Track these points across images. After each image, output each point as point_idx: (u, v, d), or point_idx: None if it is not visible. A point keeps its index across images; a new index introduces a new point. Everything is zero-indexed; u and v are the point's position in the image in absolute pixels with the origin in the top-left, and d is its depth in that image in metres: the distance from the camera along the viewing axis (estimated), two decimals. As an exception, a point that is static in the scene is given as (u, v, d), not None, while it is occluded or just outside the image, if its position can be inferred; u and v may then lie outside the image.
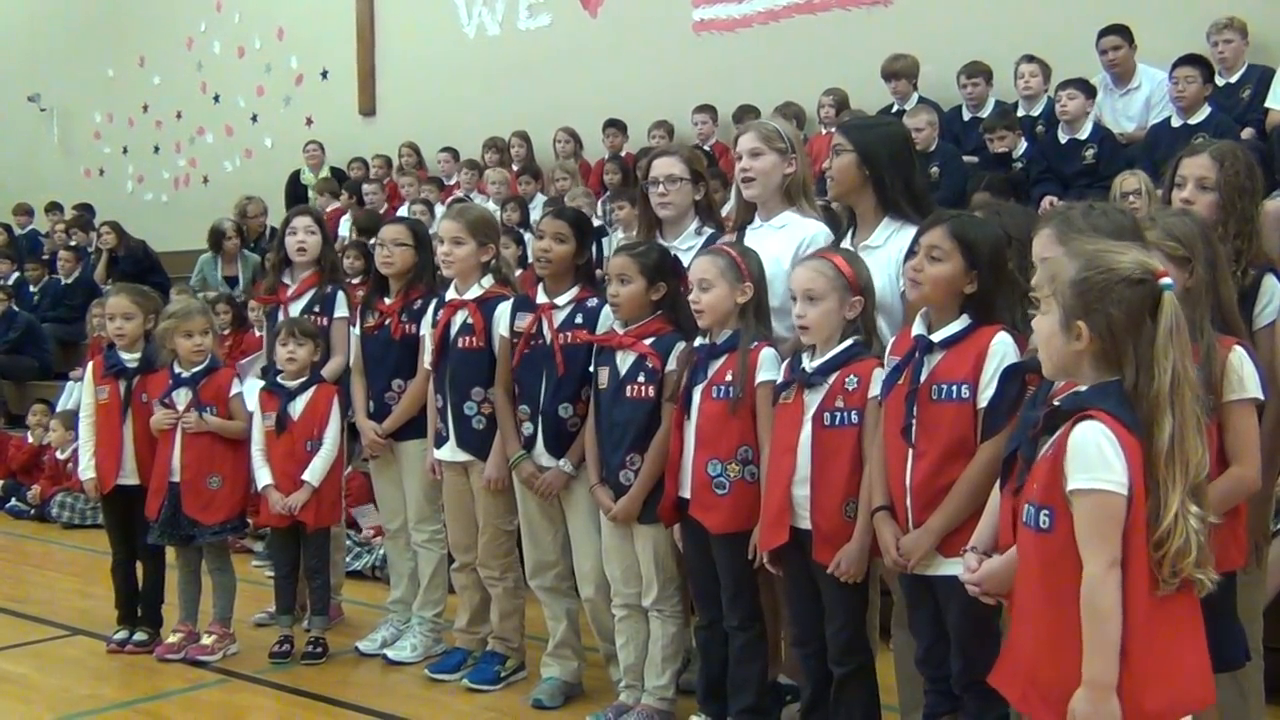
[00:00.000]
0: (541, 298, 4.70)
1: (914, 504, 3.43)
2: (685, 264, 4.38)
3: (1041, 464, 2.57)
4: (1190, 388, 2.49)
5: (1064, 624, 2.47)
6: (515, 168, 10.78)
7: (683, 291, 4.36)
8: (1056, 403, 2.61)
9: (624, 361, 4.36)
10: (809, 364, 3.78)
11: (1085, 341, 2.50)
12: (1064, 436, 2.50)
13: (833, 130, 8.70)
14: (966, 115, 8.65)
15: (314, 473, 5.37)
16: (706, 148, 9.50)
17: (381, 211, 10.75)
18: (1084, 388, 2.54)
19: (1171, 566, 2.45)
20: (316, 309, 5.68)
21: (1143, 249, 2.67)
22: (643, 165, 4.84)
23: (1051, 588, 2.51)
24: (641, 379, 4.30)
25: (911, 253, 3.57)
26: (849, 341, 3.75)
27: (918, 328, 3.49)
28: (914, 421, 3.40)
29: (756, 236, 4.39)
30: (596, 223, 8.12)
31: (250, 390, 5.69)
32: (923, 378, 3.41)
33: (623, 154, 10.27)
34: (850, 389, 3.69)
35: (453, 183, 11.26)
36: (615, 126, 10.47)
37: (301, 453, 5.39)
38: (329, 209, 11.16)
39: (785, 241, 4.29)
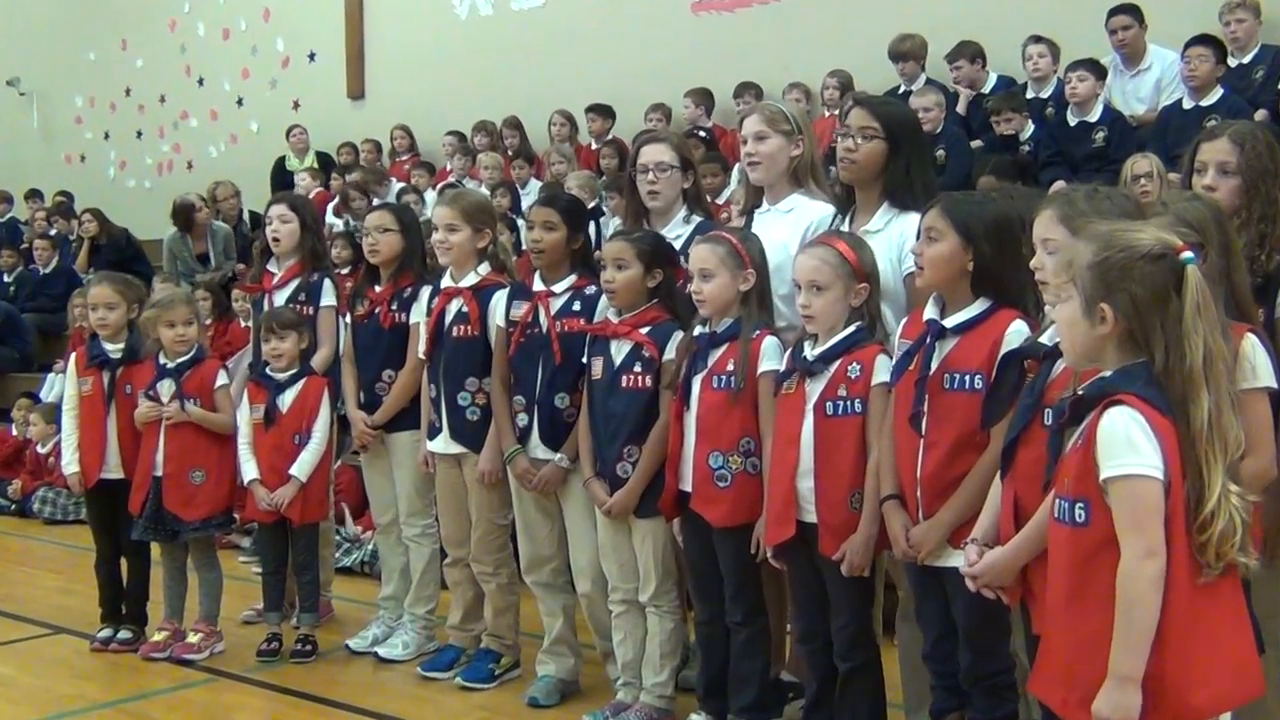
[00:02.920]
0: (539, 285, 4.71)
1: (924, 495, 3.44)
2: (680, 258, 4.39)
3: (1071, 456, 2.56)
4: (1223, 362, 2.48)
5: (1104, 622, 2.45)
6: (509, 152, 10.77)
7: (678, 279, 4.37)
8: (1081, 390, 2.61)
9: (619, 351, 4.36)
10: (810, 352, 3.79)
11: (1110, 324, 2.50)
12: (1092, 425, 2.50)
13: (837, 111, 8.77)
14: (962, 105, 8.63)
15: (302, 468, 5.37)
16: (703, 132, 9.48)
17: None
18: (1109, 372, 2.55)
19: (1215, 550, 2.44)
20: (302, 298, 5.68)
21: (1159, 225, 2.66)
22: (631, 152, 4.85)
23: (1088, 584, 2.50)
24: (638, 369, 4.31)
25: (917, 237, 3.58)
26: (851, 328, 3.76)
27: (930, 311, 3.50)
28: (924, 410, 3.41)
29: (763, 221, 4.40)
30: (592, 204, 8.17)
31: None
32: (934, 365, 3.41)
33: (612, 138, 10.25)
34: (853, 377, 3.70)
35: (443, 168, 11.26)
36: (599, 111, 10.46)
37: (289, 447, 5.39)
38: (313, 194, 11.15)
39: (792, 226, 4.30)
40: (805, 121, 4.49)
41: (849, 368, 3.71)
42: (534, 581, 4.89)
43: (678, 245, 4.48)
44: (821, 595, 3.82)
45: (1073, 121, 7.74)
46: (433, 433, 5.06)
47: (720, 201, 7.81)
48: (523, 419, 4.69)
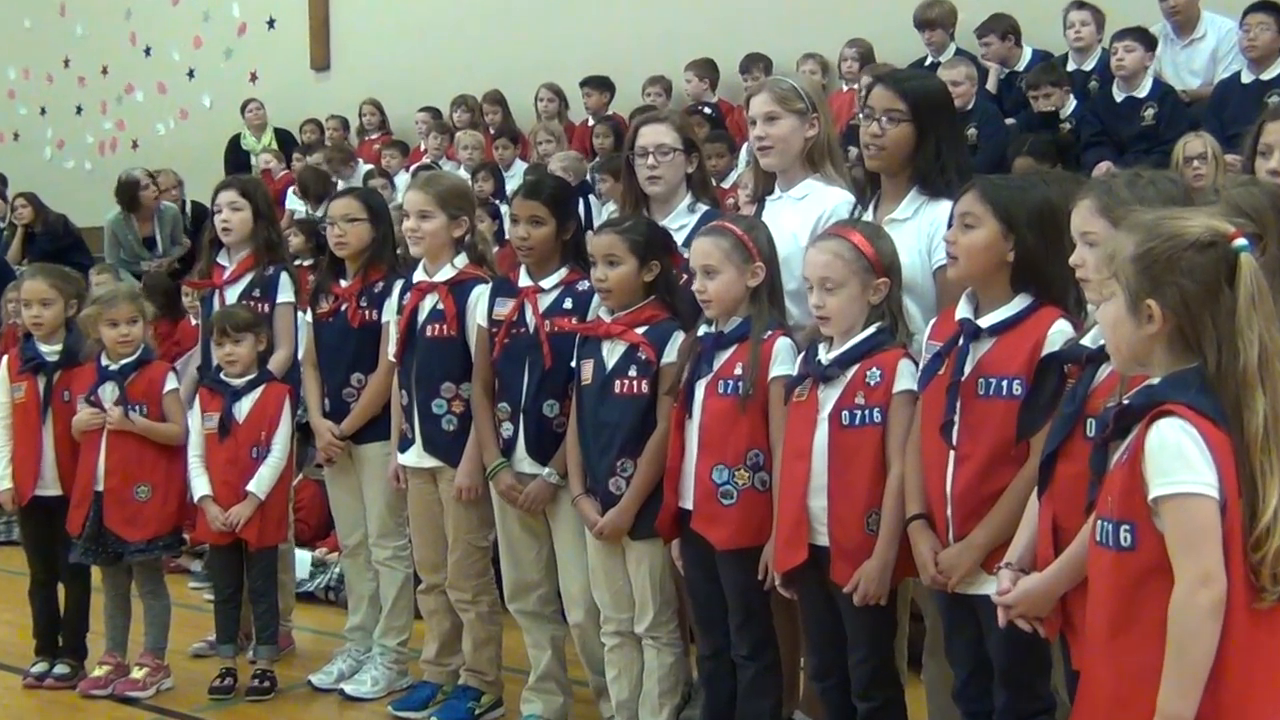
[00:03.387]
0: (524, 279, 4.71)
1: (955, 514, 3.44)
2: (679, 243, 4.40)
3: (1116, 473, 2.56)
4: None
5: (1152, 656, 2.45)
6: (490, 131, 10.77)
7: (676, 271, 4.37)
8: (1126, 400, 2.61)
9: (611, 353, 4.36)
10: (825, 355, 3.79)
11: (1158, 322, 2.50)
12: (1139, 438, 2.50)
13: (856, 86, 8.77)
14: (993, 82, 8.63)
15: (260, 483, 5.37)
16: (707, 109, 9.48)
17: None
18: (1157, 380, 2.54)
19: (1272, 571, 2.43)
20: (256, 293, 5.68)
21: (1209, 211, 2.66)
22: (629, 133, 4.84)
23: (1134, 615, 2.50)
24: (633, 372, 4.31)
25: (950, 225, 3.58)
26: (871, 329, 3.75)
27: (962, 310, 3.49)
28: (956, 419, 3.41)
29: (774, 209, 4.40)
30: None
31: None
32: (967, 369, 3.41)
33: (609, 114, 10.26)
34: (872, 384, 3.69)
35: (417, 148, 11.26)
36: (596, 85, 10.46)
37: (246, 460, 5.39)
38: (276, 176, 11.14)
39: (803, 215, 4.30)
40: (820, 98, 4.48)
41: (867, 373, 3.70)
42: (519, 610, 4.89)
43: (682, 236, 4.48)
44: (836, 627, 3.82)
45: (1119, 97, 7.73)
46: (405, 444, 5.05)
47: (727, 185, 7.81)
48: (507, 429, 4.70)
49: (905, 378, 3.67)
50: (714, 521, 4.03)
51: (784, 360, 3.97)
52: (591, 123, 10.21)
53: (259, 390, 5.45)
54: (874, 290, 3.75)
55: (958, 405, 3.41)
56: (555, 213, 4.66)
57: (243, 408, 5.42)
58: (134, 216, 10.37)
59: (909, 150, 4.05)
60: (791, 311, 4.19)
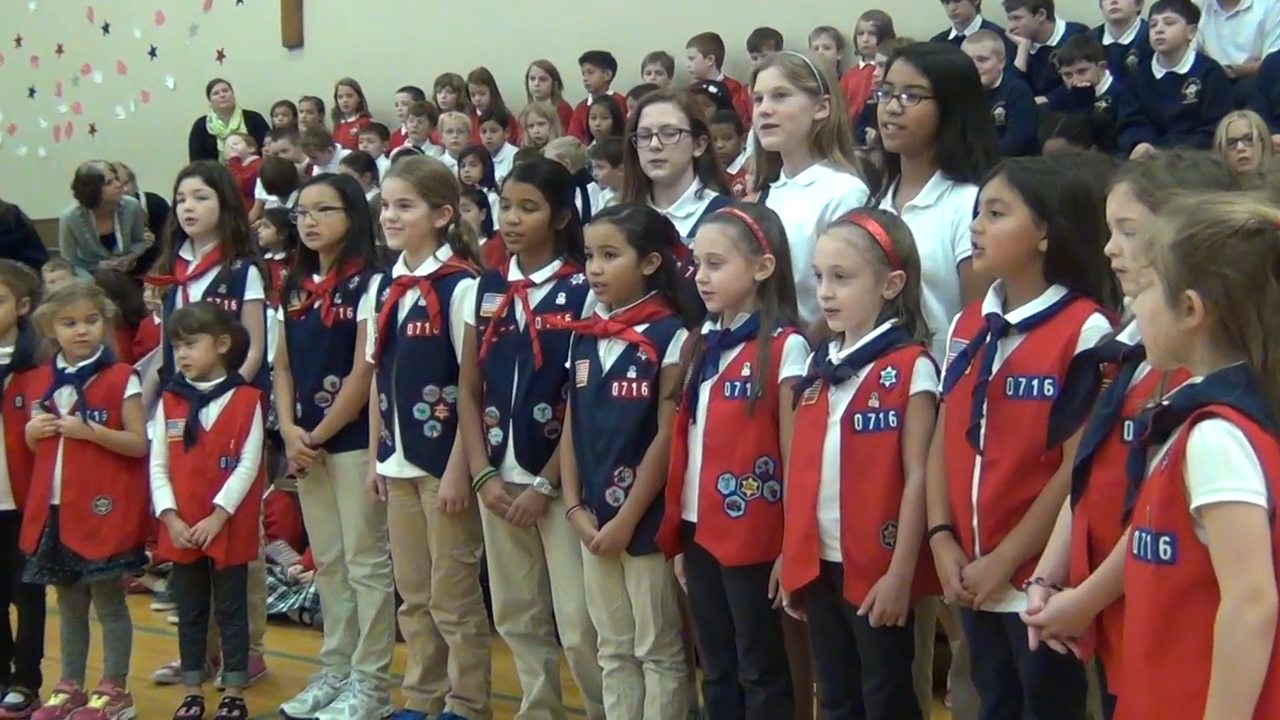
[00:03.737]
0: (514, 273, 4.71)
1: (982, 525, 3.44)
2: (683, 235, 4.40)
3: (1155, 480, 2.56)
4: None
5: (1195, 679, 2.44)
6: (477, 112, 10.77)
7: (678, 264, 4.37)
8: (1166, 401, 2.60)
9: (609, 353, 4.36)
10: (836, 354, 3.79)
11: (1199, 315, 2.50)
12: (1180, 442, 2.49)
13: (873, 62, 8.78)
14: (1022, 58, 8.63)
15: (229, 496, 5.36)
16: (712, 87, 9.48)
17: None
18: (1199, 379, 2.54)
19: None
20: (222, 290, 5.68)
21: (1255, 196, 2.66)
22: (631, 114, 4.84)
23: (1175, 635, 2.49)
24: (632, 374, 4.31)
25: (976, 213, 3.58)
26: (885, 325, 3.75)
27: (990, 304, 3.49)
28: (983, 422, 3.41)
29: (779, 197, 4.40)
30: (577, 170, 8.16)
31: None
32: (995, 367, 3.41)
33: (608, 94, 10.26)
34: (887, 384, 3.69)
35: (398, 131, 11.27)
36: (597, 61, 10.46)
37: (214, 471, 5.38)
38: (246, 163, 11.14)
39: (809, 203, 4.29)
40: (834, 79, 4.48)
41: (882, 373, 3.70)
42: (509, 632, 4.89)
43: (688, 226, 4.48)
44: (849, 650, 3.82)
45: (1158, 73, 7.73)
46: (384, 453, 5.06)
47: (734, 170, 7.82)
48: (495, 435, 4.70)
49: (923, 378, 3.67)
50: (720, 535, 4.03)
51: (796, 360, 3.96)
52: (590, 103, 10.21)
53: (228, 395, 5.44)
54: (888, 283, 3.75)
55: (984, 407, 3.40)
56: (549, 198, 4.65)
57: (210, 414, 5.42)
58: (93, 213, 10.34)
59: (931, 130, 4.05)
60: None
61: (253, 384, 5.56)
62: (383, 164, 10.05)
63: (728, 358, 4.06)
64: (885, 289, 3.75)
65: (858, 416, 3.71)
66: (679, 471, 4.13)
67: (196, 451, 5.39)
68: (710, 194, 4.65)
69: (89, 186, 10.26)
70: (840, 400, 3.74)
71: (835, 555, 3.74)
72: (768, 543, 3.96)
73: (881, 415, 3.69)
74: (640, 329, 4.33)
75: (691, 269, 4.26)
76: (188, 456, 5.39)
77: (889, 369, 3.70)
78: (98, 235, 10.33)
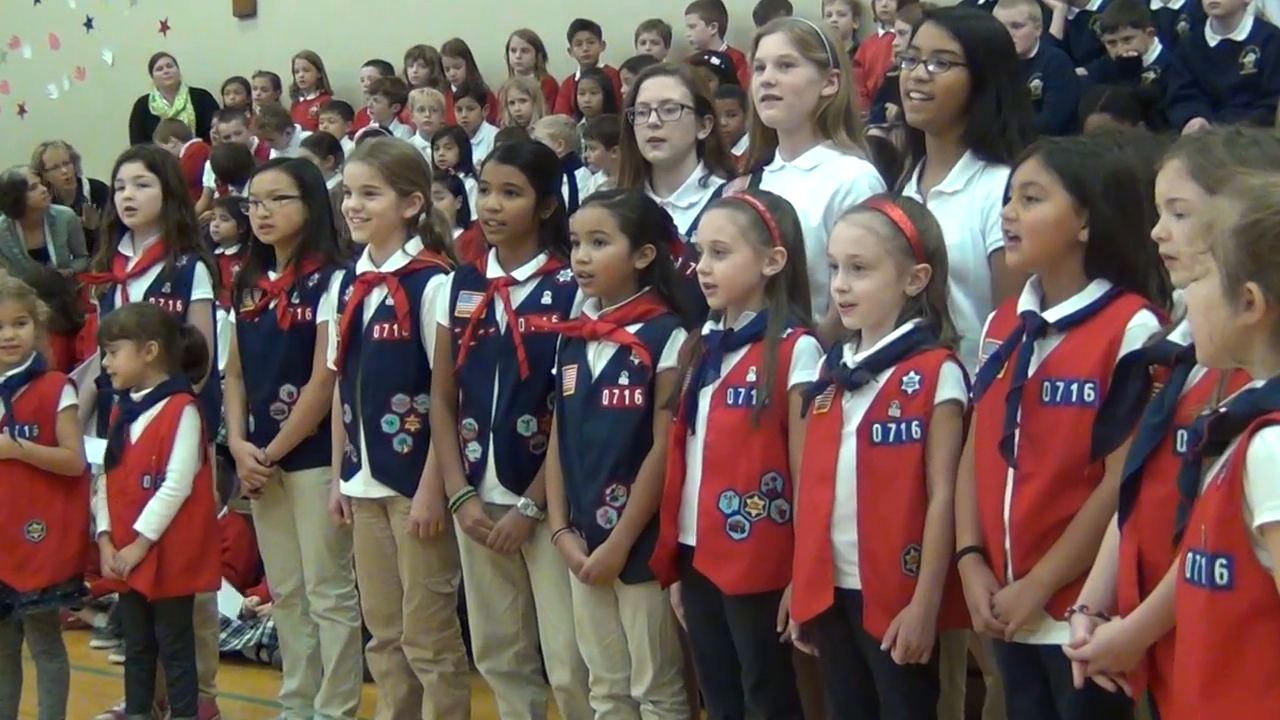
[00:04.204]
0: (494, 269, 4.71)
1: (1015, 546, 3.43)
2: (684, 230, 4.41)
3: (1211, 495, 2.56)
4: None
5: (1259, 717, 2.45)
6: (452, 89, 10.77)
7: (680, 262, 4.38)
8: (1224, 408, 2.60)
9: (599, 357, 4.36)
10: (852, 357, 3.78)
11: (1259, 310, 2.50)
12: (1240, 453, 2.49)
13: (894, 29, 8.77)
14: (1057, 25, 8.63)
15: (149, 521, 5.32)
16: (715, 59, 9.47)
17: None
18: (1260, 382, 2.54)
19: None
20: (166, 288, 5.68)
21: None
22: (628, 88, 4.84)
23: (1234, 667, 2.49)
24: (624, 380, 4.31)
25: (1008, 199, 3.58)
26: (908, 325, 3.75)
27: (1026, 301, 3.49)
28: (1017, 431, 3.40)
29: (775, 181, 4.39)
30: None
31: None
32: (1031, 371, 3.41)
33: (598, 67, 10.27)
34: (909, 391, 3.69)
35: (363, 110, 11.27)
36: (588, 30, 10.47)
37: (135, 491, 5.37)
38: (185, 147, 11.13)
39: (815, 189, 4.28)
40: (844, 53, 4.49)
41: (904, 379, 3.70)
42: (491, 671, 4.90)
43: (690, 218, 4.48)
44: (867, 689, 3.81)
45: (1213, 40, 7.73)
46: (348, 470, 5.06)
47: (739, 152, 7.81)
48: (474, 450, 4.70)
49: (950, 384, 3.66)
50: (721, 560, 4.03)
51: (807, 364, 3.96)
52: (577, 77, 10.21)
53: (159, 405, 5.41)
54: (912, 277, 3.75)
55: (1019, 415, 3.40)
56: (534, 183, 4.65)
57: (137, 427, 5.40)
58: (19, 224, 10.24)
59: (961, 103, 4.04)
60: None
61: (200, 394, 5.55)
62: (347, 146, 10.05)
63: (731, 361, 4.06)
64: (908, 284, 3.75)
65: (876, 427, 3.70)
66: (676, 489, 4.13)
67: (120, 470, 5.39)
68: (716, 181, 4.66)
69: (9, 195, 10.12)
70: (856, 408, 3.73)
71: (852, 582, 3.74)
72: (775, 569, 3.96)
73: (903, 426, 3.68)
74: (633, 329, 4.32)
75: (692, 267, 4.27)
76: (112, 475, 5.40)
77: (911, 374, 3.69)
78: (25, 249, 10.23)
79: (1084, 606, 3.09)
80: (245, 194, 5.77)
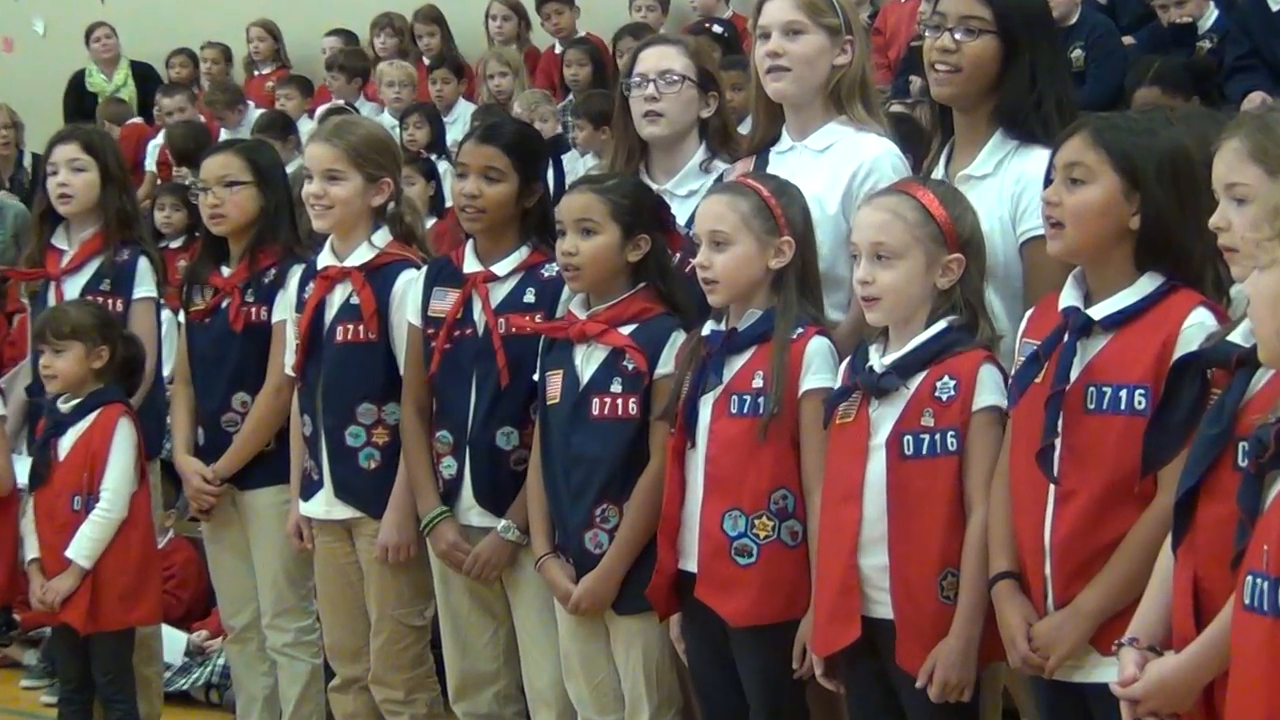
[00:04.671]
0: (471, 263, 4.71)
1: (1056, 571, 3.43)
2: (683, 222, 4.41)
3: (1275, 513, 2.58)
4: None
5: None
6: (425, 61, 10.78)
7: (674, 256, 4.38)
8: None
9: (588, 361, 4.36)
10: (878, 360, 3.78)
11: None
12: None
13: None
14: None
15: (81, 547, 5.32)
16: (718, 26, 9.49)
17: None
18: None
19: None
20: (106, 285, 5.68)
21: None
22: (625, 58, 4.84)
23: None
24: (617, 388, 4.31)
25: (1049, 181, 3.57)
26: (941, 324, 3.74)
27: (1068, 296, 3.49)
28: (1058, 442, 3.40)
29: (783, 164, 4.39)
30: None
31: None
32: (1074, 374, 3.41)
33: (584, 36, 10.27)
34: (944, 398, 3.69)
35: (323, 85, 11.28)
36: (557, 1, 10.51)
37: (64, 514, 5.37)
38: (122, 126, 11.13)
39: (830, 171, 4.29)
40: (857, 19, 4.48)
41: (937, 384, 3.70)
42: (468, 713, 4.90)
43: (690, 209, 4.46)
44: (899, 729, 3.81)
45: (1275, 5, 7.73)
46: (309, 488, 5.06)
47: (745, 130, 7.82)
48: (449, 466, 4.71)
49: (989, 389, 3.66)
50: (727, 589, 4.03)
51: (820, 368, 3.97)
52: (557, 49, 10.22)
53: (91, 417, 5.41)
54: (943, 269, 3.75)
55: (1060, 424, 3.40)
56: (518, 166, 4.66)
57: (65, 442, 5.41)
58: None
59: (992, 75, 4.04)
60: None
61: (143, 403, 5.55)
62: (306, 127, 10.05)
63: (734, 365, 4.06)
64: (938, 275, 3.75)
65: (907, 438, 3.70)
66: (674, 509, 4.13)
67: (48, 490, 5.39)
68: (720, 166, 4.67)
69: None
70: (885, 418, 3.73)
71: (882, 611, 3.74)
72: (786, 598, 3.97)
73: (937, 436, 3.68)
74: (626, 330, 4.33)
75: (688, 263, 4.27)
76: (40, 495, 5.40)
77: (946, 378, 3.70)
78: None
79: (1133, 639, 3.08)
80: (193, 181, 5.74)
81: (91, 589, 5.33)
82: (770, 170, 4.34)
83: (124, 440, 5.40)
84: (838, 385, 3.89)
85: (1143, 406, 3.31)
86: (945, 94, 4.12)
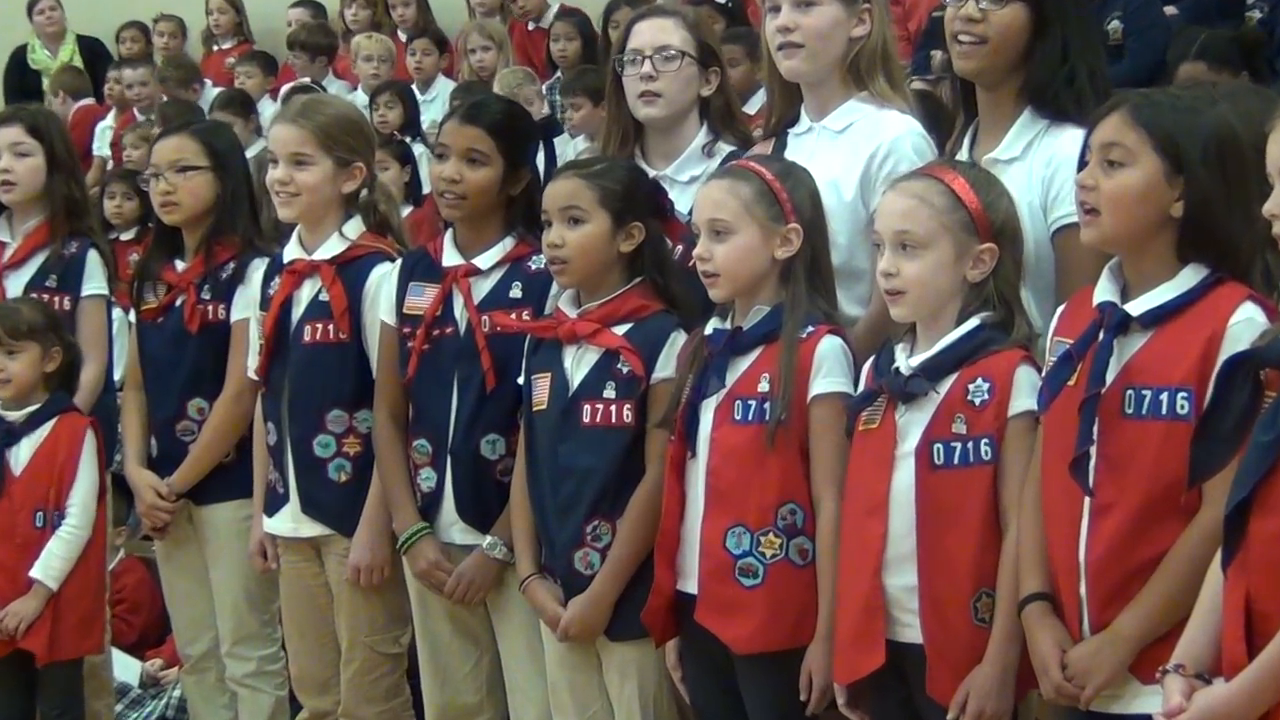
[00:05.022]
0: (451, 256, 4.72)
1: (1092, 592, 3.43)
2: (683, 210, 4.39)
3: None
4: None
5: None
6: (400, 35, 10.78)
7: (673, 248, 4.38)
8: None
9: (578, 364, 4.36)
10: (905, 360, 3.77)
11: None
12: None
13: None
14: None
15: (50, 567, 5.35)
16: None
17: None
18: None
19: None
20: (52, 282, 5.68)
21: None
22: (618, 32, 4.84)
23: None
24: (610, 393, 4.31)
25: (1083, 164, 3.56)
26: (973, 321, 3.74)
27: (1104, 290, 3.49)
28: (1093, 450, 3.40)
29: (803, 146, 4.40)
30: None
31: None
32: (1110, 376, 3.41)
33: (573, 8, 10.28)
34: (977, 402, 3.68)
35: (287, 62, 11.29)
36: None
37: (26, 531, 5.38)
38: (75, 108, 11.12)
39: (847, 153, 4.30)
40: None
41: (970, 386, 3.69)
42: (448, 749, 4.90)
43: (693, 193, 4.42)
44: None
45: (1332, -29, 7.75)
46: (274, 503, 5.06)
47: (752, 111, 7.83)
48: (428, 478, 4.72)
49: (1026, 392, 3.65)
50: (730, 612, 4.02)
51: (833, 369, 3.97)
52: (550, 21, 10.22)
53: (47, 427, 5.43)
54: (974, 260, 3.74)
55: (1095, 430, 3.40)
56: (504, 149, 4.66)
57: (20, 454, 5.41)
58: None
59: (1020, 48, 4.04)
60: (840, 297, 4.21)
61: (90, 411, 5.55)
62: (268, 108, 10.06)
63: (739, 367, 4.06)
64: (969, 267, 3.74)
65: (937, 446, 3.70)
66: (673, 525, 4.13)
67: (4, 506, 5.38)
68: (724, 149, 4.68)
69: None
70: (913, 424, 3.73)
71: (910, 635, 3.73)
72: (795, 622, 3.97)
73: (970, 444, 3.68)
74: (620, 330, 4.33)
75: (680, 247, 4.29)
76: (-7, 513, 5.41)
77: (979, 380, 3.69)
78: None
79: (1179, 666, 3.07)
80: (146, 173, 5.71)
81: (52, 614, 5.35)
82: (789, 153, 4.35)
83: (90, 452, 5.43)
84: (856, 388, 3.90)
85: (1185, 411, 3.31)
86: (969, 68, 4.11)
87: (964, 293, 3.75)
